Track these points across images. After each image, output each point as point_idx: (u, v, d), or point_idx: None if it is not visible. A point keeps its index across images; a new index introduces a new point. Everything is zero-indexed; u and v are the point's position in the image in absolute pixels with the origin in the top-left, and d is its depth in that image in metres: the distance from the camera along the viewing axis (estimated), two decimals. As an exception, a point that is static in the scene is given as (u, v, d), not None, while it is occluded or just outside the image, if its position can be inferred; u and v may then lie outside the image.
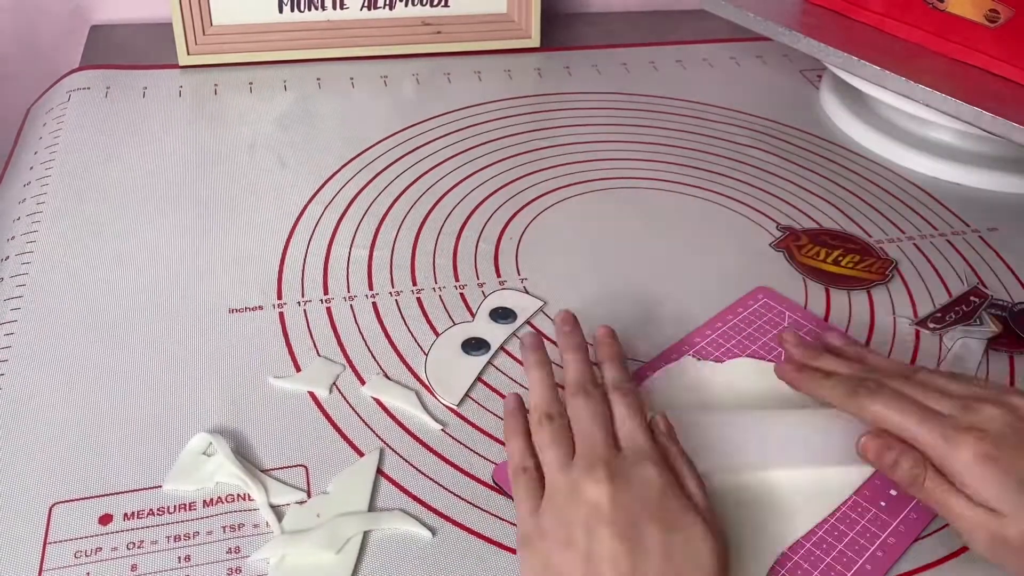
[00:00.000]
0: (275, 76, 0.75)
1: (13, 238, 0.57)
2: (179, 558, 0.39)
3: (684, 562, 0.36)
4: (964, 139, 0.69)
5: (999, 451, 0.38)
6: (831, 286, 0.57)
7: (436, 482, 0.43)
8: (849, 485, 0.44)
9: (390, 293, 0.54)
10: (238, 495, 0.42)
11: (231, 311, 0.52)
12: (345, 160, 0.66)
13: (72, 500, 0.41)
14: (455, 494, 0.43)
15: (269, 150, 0.66)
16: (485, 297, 0.54)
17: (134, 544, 0.39)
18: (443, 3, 0.79)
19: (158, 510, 0.41)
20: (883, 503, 0.43)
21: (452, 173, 0.65)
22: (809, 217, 0.63)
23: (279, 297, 0.53)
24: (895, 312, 0.55)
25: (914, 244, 0.61)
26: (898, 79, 0.63)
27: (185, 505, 0.41)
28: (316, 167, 0.65)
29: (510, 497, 0.42)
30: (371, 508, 0.42)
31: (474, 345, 0.50)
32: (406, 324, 0.52)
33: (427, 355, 0.50)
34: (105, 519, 0.40)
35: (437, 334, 0.51)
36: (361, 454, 0.44)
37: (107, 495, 0.41)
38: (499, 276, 0.56)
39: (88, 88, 0.72)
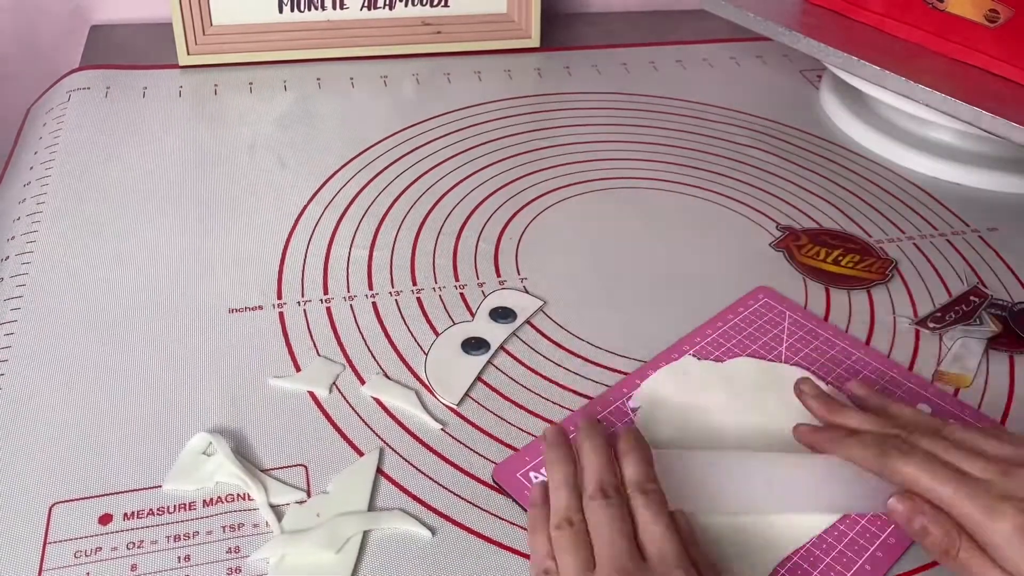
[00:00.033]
0: (275, 76, 0.75)
1: (13, 238, 0.57)
2: (179, 558, 0.39)
3: None
4: (964, 139, 0.69)
5: None
6: (831, 286, 0.57)
7: (436, 482, 0.43)
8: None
9: (390, 293, 0.54)
10: (238, 495, 0.42)
11: (231, 311, 0.52)
12: (345, 160, 0.66)
13: (72, 500, 0.41)
14: (455, 493, 0.43)
15: (269, 150, 0.66)
16: (485, 297, 0.54)
17: (134, 544, 0.39)
18: (443, 3, 0.79)
19: (158, 510, 0.41)
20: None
21: (452, 173, 0.65)
22: (809, 217, 0.63)
23: (279, 297, 0.53)
24: (895, 312, 0.55)
25: (914, 244, 0.61)
26: (898, 79, 0.63)
27: (185, 505, 0.41)
28: (316, 167, 0.65)
29: (510, 497, 0.42)
30: (371, 508, 0.42)
31: (474, 345, 0.50)
32: (406, 324, 0.52)
33: (427, 355, 0.50)
34: (105, 519, 0.40)
35: (437, 334, 0.51)
36: (361, 454, 0.44)
37: (107, 495, 0.41)
38: (499, 276, 0.56)
39: (88, 88, 0.72)
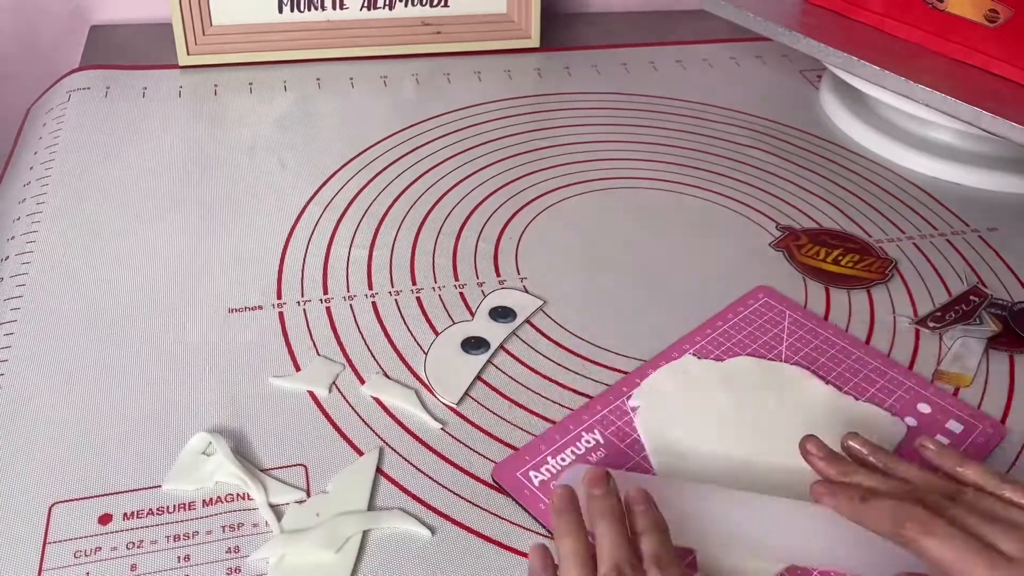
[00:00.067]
0: (275, 76, 0.75)
1: (13, 238, 0.57)
2: (179, 558, 0.39)
3: None
4: (964, 139, 0.69)
5: None
6: (831, 285, 0.57)
7: (435, 481, 0.43)
8: None
9: (389, 293, 0.54)
10: (237, 494, 0.42)
11: (231, 311, 0.52)
12: (345, 160, 0.66)
13: (72, 500, 0.41)
14: (454, 493, 0.43)
15: (269, 150, 0.66)
16: (485, 296, 0.54)
17: (134, 544, 0.39)
18: (443, 3, 0.79)
19: (158, 510, 0.41)
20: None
21: (452, 173, 0.65)
22: (809, 217, 0.63)
23: (279, 297, 0.53)
24: (895, 311, 0.55)
25: (914, 244, 0.61)
26: (898, 79, 0.63)
27: (184, 505, 0.41)
28: (316, 167, 0.65)
29: (510, 496, 0.42)
30: (370, 507, 0.42)
31: (474, 344, 0.50)
32: (405, 323, 0.52)
33: (427, 354, 0.50)
34: (105, 519, 0.40)
35: (437, 333, 0.51)
36: (360, 453, 0.44)
37: (107, 495, 0.41)
38: (499, 275, 0.56)
39: (88, 88, 0.72)
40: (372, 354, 0.50)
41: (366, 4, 0.78)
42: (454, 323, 0.52)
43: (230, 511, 0.41)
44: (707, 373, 0.49)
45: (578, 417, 0.46)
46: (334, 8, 0.77)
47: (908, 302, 0.56)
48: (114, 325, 0.50)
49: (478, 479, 0.43)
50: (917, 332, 0.54)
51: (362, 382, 0.48)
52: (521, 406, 0.47)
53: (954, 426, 0.47)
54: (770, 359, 0.50)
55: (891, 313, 0.55)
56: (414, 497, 0.42)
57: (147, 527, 0.40)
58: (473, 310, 0.53)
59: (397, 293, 0.54)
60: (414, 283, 0.55)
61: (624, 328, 0.52)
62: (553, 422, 0.46)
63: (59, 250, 0.56)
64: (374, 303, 0.53)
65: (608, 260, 0.58)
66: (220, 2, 0.74)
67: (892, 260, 0.59)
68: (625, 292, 0.55)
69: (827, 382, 0.49)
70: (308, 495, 0.42)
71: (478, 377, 0.49)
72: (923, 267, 0.59)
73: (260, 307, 0.52)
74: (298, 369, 0.49)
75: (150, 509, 0.41)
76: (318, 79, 0.75)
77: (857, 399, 0.48)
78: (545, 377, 0.49)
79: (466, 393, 0.48)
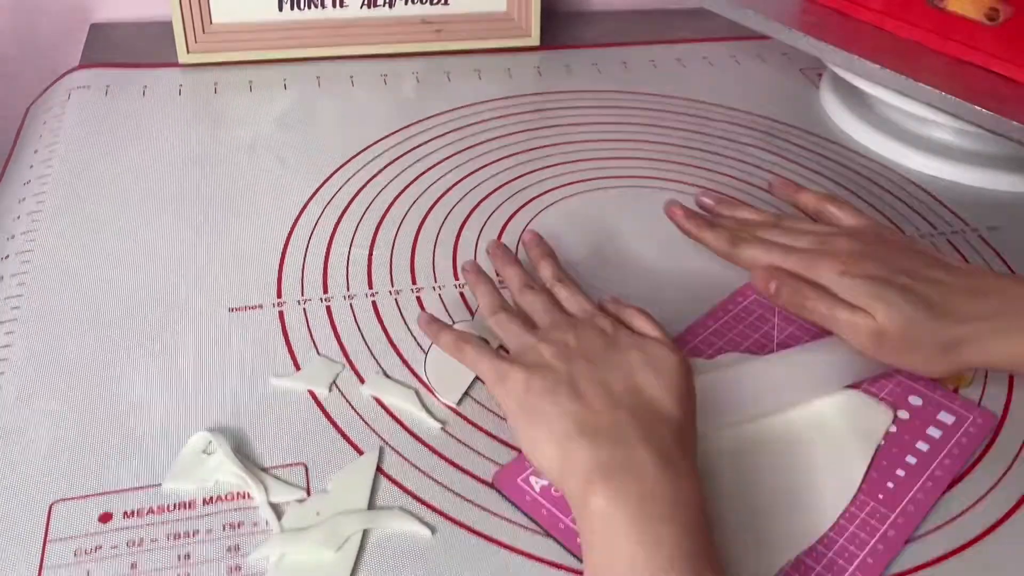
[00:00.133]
0: (275, 75, 0.75)
1: (13, 237, 0.57)
2: (179, 556, 0.39)
3: (651, 372, 0.41)
4: (964, 138, 0.69)
5: (852, 265, 0.46)
6: (831, 285, 0.57)
7: (435, 480, 0.43)
8: (853, 481, 0.44)
9: (390, 292, 0.54)
10: (238, 493, 0.42)
11: (231, 310, 0.52)
12: (345, 159, 0.66)
13: (72, 498, 0.41)
14: (455, 492, 0.43)
15: (269, 149, 0.66)
16: (485, 296, 0.54)
17: (134, 542, 0.40)
18: (443, 2, 0.79)
19: (158, 508, 0.41)
20: (881, 496, 0.43)
21: (452, 172, 0.65)
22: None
23: (279, 296, 0.53)
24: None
25: (914, 243, 0.61)
26: (898, 78, 0.63)
27: (185, 503, 0.41)
28: (316, 166, 0.65)
29: (512, 503, 0.42)
30: (370, 506, 0.42)
31: (474, 344, 0.50)
32: (406, 323, 0.52)
33: (426, 354, 0.50)
34: (105, 517, 0.40)
35: (437, 333, 0.51)
36: (360, 452, 0.44)
37: (107, 493, 0.41)
38: (499, 275, 0.56)
39: (88, 87, 0.72)
40: (372, 354, 0.50)
41: (366, 3, 0.78)
42: (454, 323, 0.52)
43: (230, 510, 0.41)
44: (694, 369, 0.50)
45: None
46: (334, 7, 0.77)
47: (908, 301, 0.56)
48: (114, 324, 0.51)
49: (478, 479, 0.43)
50: (917, 331, 0.54)
51: (362, 381, 0.48)
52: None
53: (946, 417, 0.47)
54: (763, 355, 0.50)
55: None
56: (414, 496, 0.42)
57: (147, 526, 0.40)
58: (473, 310, 0.53)
59: (397, 292, 0.54)
60: (414, 282, 0.55)
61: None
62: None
63: (59, 249, 0.56)
64: (374, 302, 0.53)
65: (608, 259, 0.58)
66: (220, 1, 0.74)
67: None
68: (624, 292, 0.55)
69: None
70: (308, 494, 0.42)
71: (478, 377, 0.49)
72: (923, 266, 0.59)
73: (260, 306, 0.52)
74: (298, 368, 0.49)
75: (150, 508, 0.41)
76: (318, 77, 0.75)
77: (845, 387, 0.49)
78: (545, 376, 0.49)
79: (466, 393, 0.48)
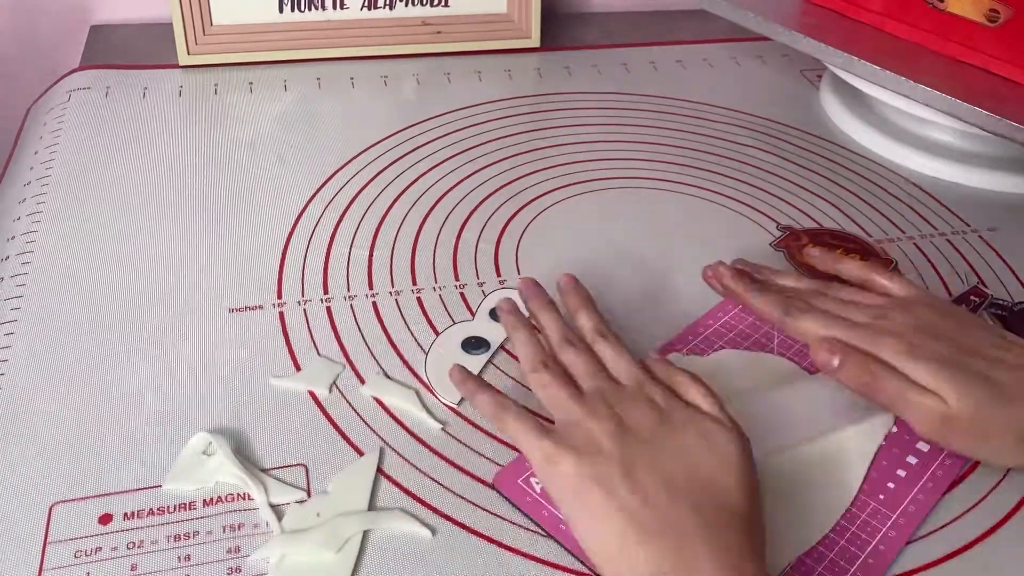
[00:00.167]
0: (275, 76, 0.75)
1: (13, 238, 0.57)
2: (179, 558, 0.39)
3: (713, 458, 0.37)
4: (964, 139, 0.69)
5: (916, 344, 0.44)
6: (831, 286, 0.57)
7: (436, 481, 0.43)
8: (854, 482, 0.44)
9: (390, 292, 0.54)
10: (238, 494, 0.42)
11: (231, 311, 0.52)
12: (345, 160, 0.66)
13: (72, 500, 0.41)
14: (455, 493, 0.43)
15: (269, 150, 0.66)
16: (485, 296, 0.54)
17: (134, 544, 0.39)
18: (443, 3, 0.79)
19: (158, 510, 0.41)
20: (881, 496, 0.43)
21: (452, 173, 0.65)
22: (809, 217, 0.63)
23: (279, 297, 0.53)
24: None
25: (914, 244, 0.61)
26: (898, 79, 0.63)
27: (185, 505, 0.41)
28: (316, 167, 0.65)
29: (512, 504, 0.42)
30: (371, 507, 0.42)
31: (474, 344, 0.50)
32: (406, 323, 0.52)
33: (427, 354, 0.50)
34: (105, 519, 0.40)
35: (437, 333, 0.51)
36: (361, 453, 0.44)
37: (107, 495, 0.41)
38: (499, 275, 0.56)
39: (88, 88, 0.72)
40: (372, 354, 0.50)
41: (366, 4, 0.78)
42: (454, 323, 0.52)
43: (230, 511, 0.41)
44: (691, 367, 0.49)
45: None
46: (334, 8, 0.77)
47: (908, 302, 0.56)
48: (114, 325, 0.50)
49: (479, 479, 0.43)
50: (917, 332, 0.54)
51: (362, 382, 0.48)
52: (521, 406, 0.47)
53: None
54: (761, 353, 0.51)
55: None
56: (414, 497, 0.42)
57: (147, 527, 0.40)
58: (473, 310, 0.53)
59: (397, 293, 0.54)
60: (414, 283, 0.55)
61: (622, 328, 0.52)
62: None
63: (59, 250, 0.56)
64: (374, 303, 0.53)
65: (608, 260, 0.58)
66: (220, 2, 0.74)
67: (892, 260, 0.59)
68: (626, 292, 0.55)
69: (813, 373, 0.49)
70: (308, 495, 0.42)
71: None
72: (923, 267, 0.59)
73: (260, 307, 0.52)
74: (298, 369, 0.49)
75: (150, 509, 0.41)
76: (318, 79, 0.75)
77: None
78: (545, 377, 0.49)
79: (466, 393, 0.48)
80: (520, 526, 0.41)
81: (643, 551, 0.35)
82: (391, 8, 0.78)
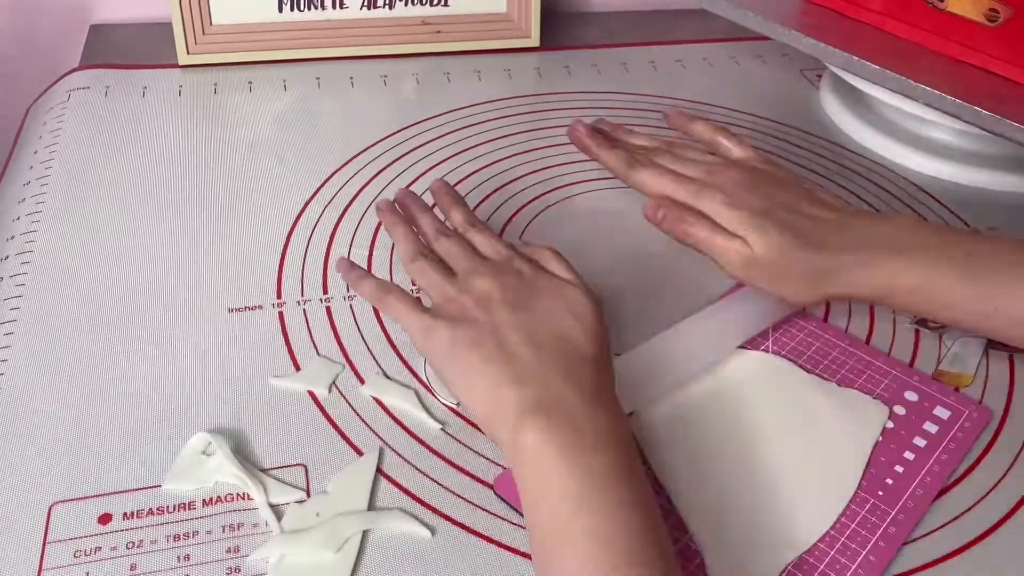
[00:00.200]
0: (275, 76, 0.75)
1: (13, 238, 0.57)
2: (178, 557, 0.39)
3: (570, 316, 0.42)
4: (964, 139, 0.69)
5: (735, 196, 0.49)
6: (831, 285, 0.57)
7: (435, 481, 0.43)
8: (852, 479, 0.44)
9: (390, 292, 0.54)
10: (237, 494, 0.42)
11: (231, 310, 0.52)
12: (345, 159, 0.66)
13: (71, 500, 0.41)
14: (454, 493, 0.43)
15: (269, 149, 0.66)
16: (485, 296, 0.54)
17: (133, 543, 0.40)
18: (443, 2, 0.79)
19: (157, 509, 0.41)
20: (880, 492, 0.43)
21: (452, 173, 0.65)
22: (809, 217, 0.63)
23: (279, 296, 0.53)
24: (895, 312, 0.55)
25: (914, 244, 0.61)
26: (898, 79, 0.63)
27: (184, 504, 0.41)
28: (316, 166, 0.65)
29: (512, 507, 0.42)
30: (370, 507, 0.42)
31: (474, 344, 0.50)
32: (406, 323, 0.52)
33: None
34: (104, 519, 0.40)
35: (437, 333, 0.51)
36: (360, 453, 0.44)
37: (106, 494, 0.41)
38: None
39: (88, 88, 0.72)
40: (372, 354, 0.50)
41: (366, 3, 0.78)
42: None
43: (230, 511, 0.41)
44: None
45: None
46: (334, 7, 0.77)
47: (908, 302, 0.56)
48: (114, 325, 0.50)
49: (478, 479, 0.43)
50: (917, 332, 0.54)
51: (362, 382, 0.48)
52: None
53: (941, 412, 0.48)
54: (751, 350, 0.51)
55: (891, 313, 0.55)
56: (414, 497, 0.42)
57: (147, 527, 0.40)
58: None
59: (397, 293, 0.54)
60: (414, 283, 0.55)
61: (622, 328, 0.52)
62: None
63: (59, 250, 0.56)
64: (374, 303, 0.53)
65: (608, 260, 0.58)
66: (220, 2, 0.74)
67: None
68: (626, 292, 0.55)
69: (808, 372, 0.50)
70: (308, 495, 0.42)
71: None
72: (923, 267, 0.59)
73: (260, 307, 0.52)
74: (298, 369, 0.49)
75: (150, 509, 0.41)
76: (318, 78, 0.75)
77: (840, 385, 0.49)
78: (545, 377, 0.49)
79: (466, 393, 0.48)
80: (520, 526, 0.41)
81: (512, 392, 0.39)
82: (391, 8, 0.78)
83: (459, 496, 0.43)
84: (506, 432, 0.38)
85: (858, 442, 0.46)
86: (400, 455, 0.44)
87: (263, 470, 0.43)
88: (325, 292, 0.54)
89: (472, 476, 0.44)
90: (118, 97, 0.71)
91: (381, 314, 0.52)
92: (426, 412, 0.46)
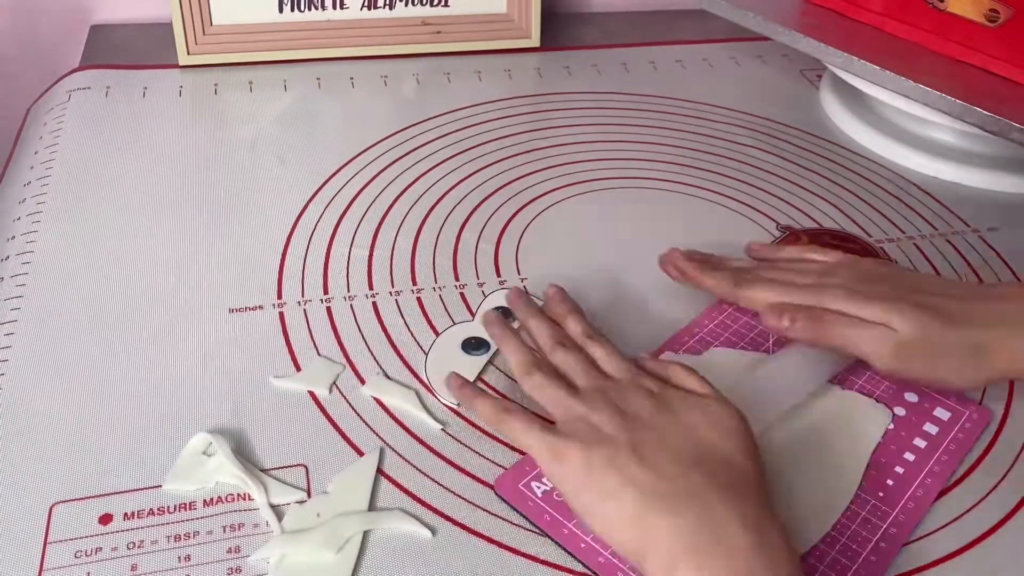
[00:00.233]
0: (275, 76, 0.75)
1: (13, 238, 0.57)
2: (179, 558, 0.39)
3: (717, 432, 0.38)
4: (964, 139, 0.69)
5: (859, 290, 0.46)
6: (831, 286, 0.57)
7: (436, 481, 0.43)
8: (853, 480, 0.44)
9: (390, 293, 0.54)
10: (238, 495, 0.42)
11: (231, 311, 0.52)
12: (345, 160, 0.66)
13: (72, 500, 0.41)
14: (455, 493, 0.43)
15: (269, 150, 0.66)
16: (485, 297, 0.54)
17: (134, 544, 0.40)
18: (443, 3, 0.79)
19: (158, 510, 0.41)
20: (881, 493, 0.43)
21: (452, 173, 0.65)
22: (809, 217, 0.63)
23: (279, 297, 0.53)
24: None
25: (914, 244, 0.61)
26: (898, 79, 0.63)
27: (185, 505, 0.41)
28: (316, 167, 0.65)
29: (514, 508, 0.42)
30: (371, 507, 0.42)
31: (474, 344, 0.50)
32: (406, 324, 0.52)
33: (427, 354, 0.50)
34: (105, 519, 0.40)
35: (437, 333, 0.51)
36: (361, 453, 0.44)
37: (107, 495, 0.41)
38: (499, 276, 0.56)
39: (88, 88, 0.72)
40: (372, 354, 0.50)
41: (366, 4, 0.78)
42: (455, 323, 0.52)
43: (231, 511, 0.41)
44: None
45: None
46: (334, 8, 0.77)
47: (908, 302, 0.56)
48: (114, 325, 0.50)
49: (478, 480, 0.43)
50: (917, 332, 0.54)
51: (362, 382, 0.48)
52: (521, 406, 0.47)
53: (941, 413, 0.48)
54: (758, 352, 0.51)
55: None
56: (414, 497, 0.42)
57: (148, 527, 0.40)
58: (473, 310, 0.53)
59: (397, 293, 0.54)
60: (414, 283, 0.55)
61: (622, 328, 0.52)
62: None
63: (59, 250, 0.56)
64: (374, 303, 0.53)
65: (608, 260, 0.58)
66: (220, 2, 0.74)
67: (893, 260, 0.59)
68: (625, 292, 0.55)
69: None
70: (309, 495, 0.42)
71: (479, 378, 0.49)
72: (923, 267, 0.59)
73: (260, 307, 0.52)
74: (298, 369, 0.49)
75: (151, 509, 0.41)
76: (318, 79, 0.75)
77: (841, 387, 0.49)
78: (545, 377, 0.49)
79: (466, 393, 0.48)
80: (520, 526, 0.41)
81: (664, 522, 0.35)
82: (391, 8, 0.78)
83: (460, 496, 0.43)
84: (657, 570, 0.35)
85: (859, 444, 0.46)
86: (401, 455, 0.44)
87: (264, 470, 0.43)
88: (326, 292, 0.54)
89: (473, 476, 0.44)
90: (118, 97, 0.71)
91: (383, 319, 0.52)
92: (427, 412, 0.46)
